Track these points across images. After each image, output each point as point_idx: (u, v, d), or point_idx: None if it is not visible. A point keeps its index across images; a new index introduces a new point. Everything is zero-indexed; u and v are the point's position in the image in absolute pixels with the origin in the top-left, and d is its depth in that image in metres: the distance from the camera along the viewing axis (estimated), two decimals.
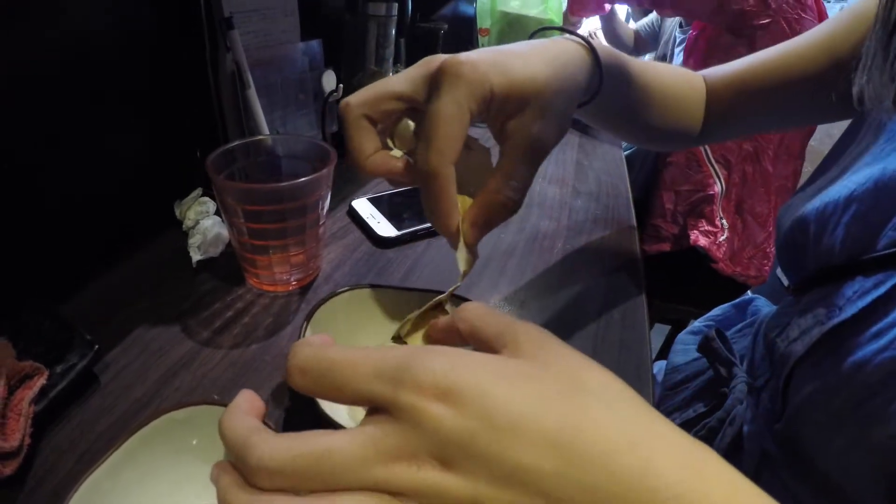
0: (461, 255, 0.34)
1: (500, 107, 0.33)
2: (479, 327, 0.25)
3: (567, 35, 0.41)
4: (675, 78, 0.57)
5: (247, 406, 0.23)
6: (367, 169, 0.34)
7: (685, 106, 0.58)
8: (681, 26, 1.56)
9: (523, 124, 0.33)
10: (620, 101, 0.51)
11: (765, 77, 0.56)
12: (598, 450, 0.18)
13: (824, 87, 0.51)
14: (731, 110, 0.59)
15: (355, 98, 0.33)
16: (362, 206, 0.70)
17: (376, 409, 0.21)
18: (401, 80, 0.33)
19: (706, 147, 1.26)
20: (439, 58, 0.33)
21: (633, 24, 1.95)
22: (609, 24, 1.82)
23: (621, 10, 1.91)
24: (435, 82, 0.32)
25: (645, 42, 1.86)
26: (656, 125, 0.57)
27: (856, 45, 0.46)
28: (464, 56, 0.32)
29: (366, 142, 0.34)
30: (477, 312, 0.26)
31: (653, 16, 1.85)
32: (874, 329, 0.38)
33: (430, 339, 0.31)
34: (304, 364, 0.22)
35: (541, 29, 0.46)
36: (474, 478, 0.19)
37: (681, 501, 0.17)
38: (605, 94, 0.43)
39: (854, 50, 0.46)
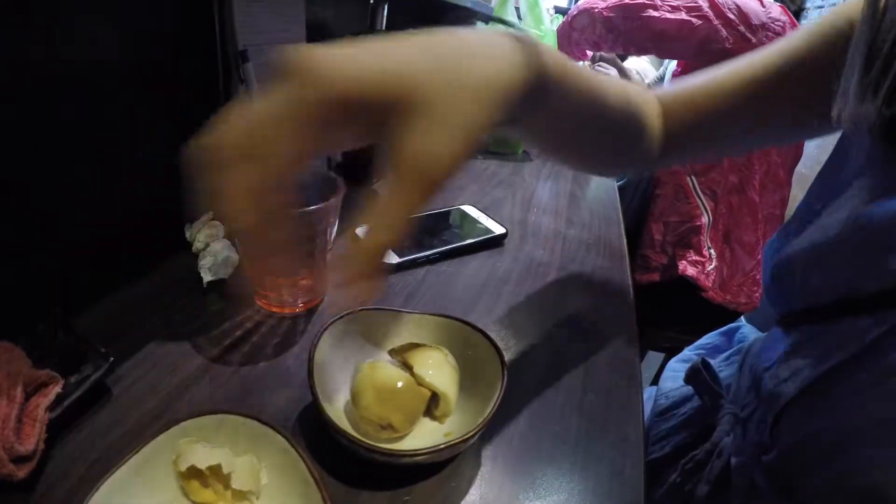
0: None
1: (369, 112, 0.25)
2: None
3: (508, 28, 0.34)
4: (627, 87, 0.48)
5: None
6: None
7: (638, 118, 0.49)
8: None
9: (401, 135, 0.24)
10: (562, 110, 0.39)
11: (721, 90, 0.51)
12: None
13: (795, 96, 0.48)
14: (688, 128, 0.53)
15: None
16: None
17: None
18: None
19: (693, 179, 1.29)
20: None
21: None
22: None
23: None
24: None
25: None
26: (607, 148, 0.51)
27: (827, 52, 0.44)
28: (318, 49, 0.24)
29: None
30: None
31: (660, 70, 1.91)
32: (868, 374, 0.38)
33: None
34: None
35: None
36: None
37: None
38: (550, 103, 0.36)
39: (826, 57, 0.44)
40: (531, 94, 0.30)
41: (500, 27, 0.33)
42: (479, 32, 0.30)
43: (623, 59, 2.13)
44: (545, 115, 0.37)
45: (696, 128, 0.53)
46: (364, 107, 0.24)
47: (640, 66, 2.07)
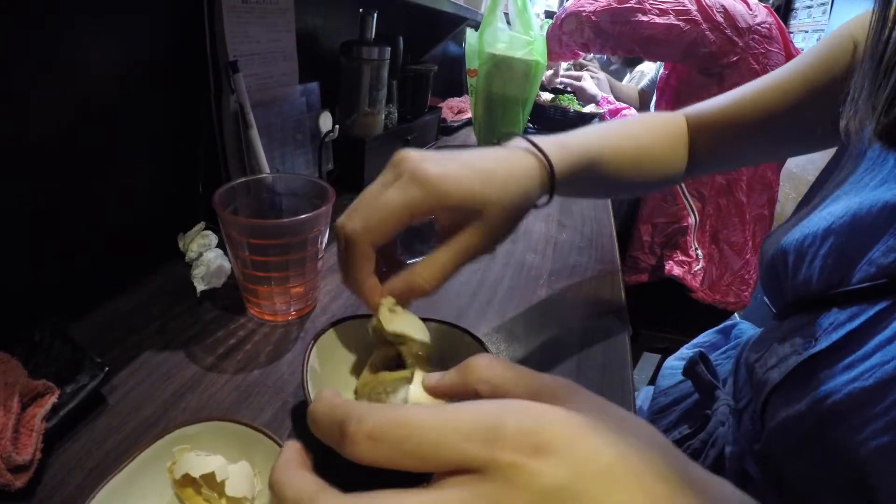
0: (384, 318, 0.37)
1: (450, 214, 0.37)
2: (505, 389, 0.25)
3: (529, 147, 0.43)
4: (652, 135, 0.58)
5: (299, 460, 0.22)
6: (364, 294, 0.37)
7: (665, 160, 0.60)
8: None
9: (467, 235, 0.37)
10: (589, 186, 0.55)
11: (746, 111, 0.57)
12: (679, 500, 0.19)
13: (804, 118, 0.53)
14: (715, 146, 0.60)
15: (361, 225, 0.36)
16: None
17: (456, 470, 0.20)
18: (396, 202, 0.35)
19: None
20: (410, 159, 0.37)
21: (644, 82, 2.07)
22: (614, 93, 1.91)
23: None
24: (399, 175, 0.36)
25: (650, 96, 1.94)
26: (635, 185, 0.59)
27: (833, 74, 0.50)
28: (433, 168, 0.36)
29: (368, 268, 0.37)
30: (496, 371, 0.26)
31: (654, 74, 1.94)
32: (847, 361, 0.39)
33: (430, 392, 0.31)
34: (376, 431, 0.20)
35: (508, 133, 0.50)
36: None
37: None
38: (566, 190, 0.47)
39: (832, 79, 0.49)
40: (548, 193, 0.44)
41: (522, 143, 0.41)
42: (514, 158, 0.41)
43: (638, 61, 2.18)
44: (572, 193, 0.53)
45: (720, 149, 0.60)
46: (452, 212, 0.37)
47: (653, 68, 2.11)
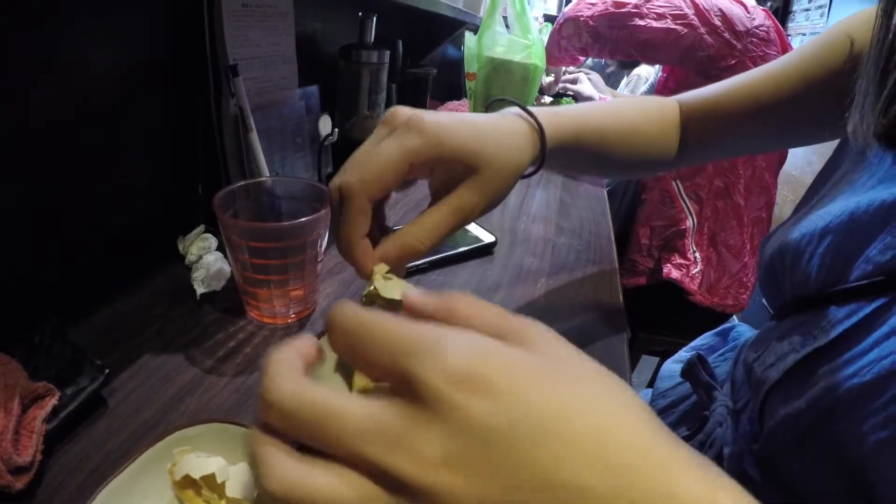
0: (380, 285, 0.33)
1: (445, 169, 0.36)
2: (470, 323, 0.23)
3: (521, 112, 0.43)
4: (643, 116, 0.58)
5: (306, 351, 0.23)
6: (357, 256, 0.34)
7: (655, 141, 0.59)
8: None
9: (461, 192, 0.36)
10: (579, 160, 0.54)
11: (740, 100, 0.58)
12: (631, 463, 0.18)
13: (797, 109, 0.54)
14: (708, 134, 0.60)
15: (357, 178, 0.33)
16: None
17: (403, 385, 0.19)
18: (393, 152, 0.33)
19: (678, 184, 1.32)
20: (403, 112, 0.35)
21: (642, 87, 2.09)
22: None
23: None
24: (394, 127, 0.34)
25: None
26: (624, 164, 0.59)
27: (828, 67, 0.50)
28: (428, 116, 0.34)
29: (363, 226, 0.34)
30: (471, 307, 0.24)
31: (653, 79, 1.95)
32: (845, 357, 0.40)
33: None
34: (347, 326, 0.21)
35: (497, 100, 0.49)
36: (489, 482, 0.18)
37: None
38: (557, 161, 0.47)
39: (827, 72, 0.50)
40: (538, 162, 0.44)
41: (516, 110, 0.40)
42: (507, 121, 0.41)
43: (636, 63, 2.19)
44: (561, 166, 0.51)
45: (711, 137, 0.61)
46: (448, 163, 0.35)
47: (649, 72, 2.11)
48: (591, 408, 0.19)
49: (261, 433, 0.20)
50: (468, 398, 0.18)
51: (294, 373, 0.21)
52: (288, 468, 0.19)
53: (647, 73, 2.17)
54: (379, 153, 0.33)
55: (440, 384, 0.18)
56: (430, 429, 0.18)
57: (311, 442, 0.20)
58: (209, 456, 0.35)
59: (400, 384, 0.19)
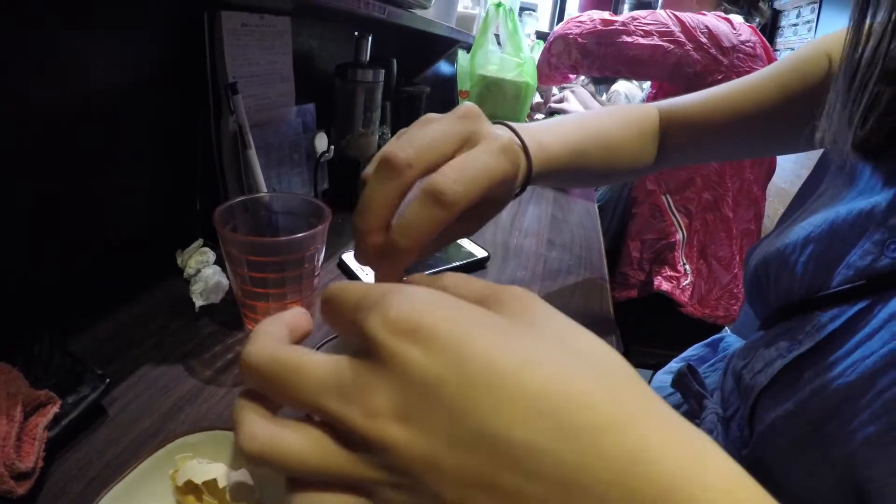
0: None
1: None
2: (464, 294, 0.22)
3: (513, 138, 0.43)
4: (622, 129, 0.60)
5: (292, 321, 0.24)
6: (372, 239, 0.29)
7: (634, 153, 0.62)
8: None
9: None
10: (559, 180, 0.56)
11: (720, 110, 0.61)
12: (586, 422, 0.16)
13: (774, 119, 0.57)
14: (687, 141, 0.63)
15: (409, 152, 0.28)
16: (352, 259, 0.74)
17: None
18: (449, 136, 0.31)
19: (668, 198, 1.34)
20: (485, 124, 0.33)
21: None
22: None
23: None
24: (478, 139, 0.32)
25: None
26: (602, 177, 0.62)
27: (805, 80, 0.54)
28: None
29: (393, 207, 0.29)
30: (457, 280, 0.23)
31: (642, 95, 1.98)
32: (831, 359, 0.41)
33: None
34: (326, 293, 0.22)
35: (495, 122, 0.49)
36: (434, 436, 0.17)
37: (676, 493, 0.15)
38: (541, 179, 0.48)
39: (804, 85, 0.53)
40: (523, 185, 0.45)
41: (501, 129, 0.39)
42: (493, 136, 0.34)
43: (614, 80, 2.23)
44: (545, 182, 0.50)
45: (690, 144, 0.63)
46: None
47: (628, 88, 2.15)
48: (547, 364, 0.17)
49: (242, 398, 0.22)
50: (407, 347, 0.17)
51: (271, 339, 0.22)
52: (260, 429, 0.20)
53: (625, 88, 2.20)
54: (479, 163, 0.30)
55: (381, 333, 0.18)
56: (377, 381, 0.18)
57: (280, 399, 0.20)
58: (211, 462, 0.36)
59: (361, 340, 0.19)
